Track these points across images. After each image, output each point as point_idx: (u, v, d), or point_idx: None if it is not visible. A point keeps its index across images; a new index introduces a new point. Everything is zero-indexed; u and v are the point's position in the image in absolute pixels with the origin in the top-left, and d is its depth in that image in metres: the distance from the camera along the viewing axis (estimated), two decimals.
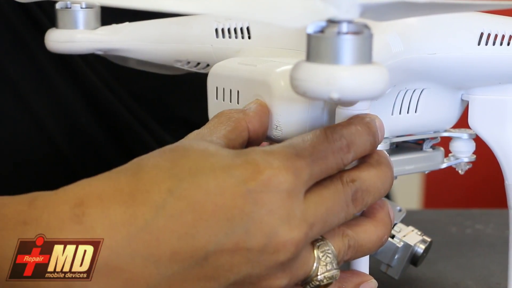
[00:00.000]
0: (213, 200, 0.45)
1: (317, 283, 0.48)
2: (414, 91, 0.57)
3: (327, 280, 0.48)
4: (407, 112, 0.57)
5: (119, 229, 0.44)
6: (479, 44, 0.55)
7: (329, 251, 0.48)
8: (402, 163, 0.58)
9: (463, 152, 0.61)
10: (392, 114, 0.56)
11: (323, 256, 0.48)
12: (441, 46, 0.55)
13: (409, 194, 2.04)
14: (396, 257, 0.66)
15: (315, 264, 0.48)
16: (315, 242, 0.48)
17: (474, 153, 0.61)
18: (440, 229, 0.86)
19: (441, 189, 2.03)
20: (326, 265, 0.48)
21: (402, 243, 0.66)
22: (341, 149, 0.48)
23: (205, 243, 0.45)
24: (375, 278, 0.52)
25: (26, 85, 0.76)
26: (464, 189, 2.01)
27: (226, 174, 0.45)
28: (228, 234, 0.45)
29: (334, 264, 0.48)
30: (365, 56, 0.43)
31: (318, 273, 0.48)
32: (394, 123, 0.56)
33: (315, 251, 0.48)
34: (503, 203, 0.60)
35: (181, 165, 0.46)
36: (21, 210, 0.46)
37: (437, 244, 0.75)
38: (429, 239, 0.67)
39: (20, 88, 0.76)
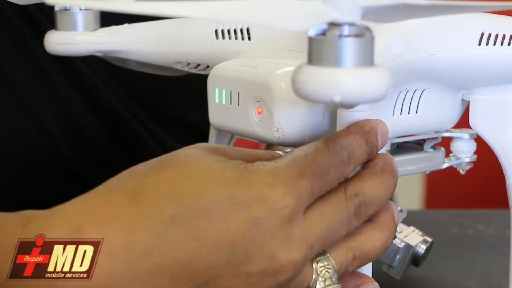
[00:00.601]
0: (216, 228, 0.44)
1: None
2: (415, 91, 0.57)
3: None
4: (408, 113, 0.57)
5: (118, 257, 0.44)
6: (479, 44, 0.55)
7: (329, 266, 0.48)
8: (403, 163, 0.58)
9: (464, 152, 0.61)
10: (393, 115, 0.56)
11: (322, 271, 0.47)
12: (442, 46, 0.54)
13: (410, 195, 2.05)
14: (397, 257, 0.66)
15: (313, 280, 0.47)
16: (315, 257, 0.48)
17: (475, 153, 0.61)
18: (441, 229, 0.86)
19: (442, 189, 2.03)
20: (325, 280, 0.47)
21: (403, 244, 0.66)
22: (342, 162, 0.47)
23: (206, 269, 0.44)
24: (377, 279, 0.52)
25: (27, 86, 0.76)
26: (465, 189, 2.02)
27: (229, 201, 0.45)
28: (229, 259, 0.45)
29: (333, 279, 0.48)
30: (367, 58, 0.43)
31: None
32: (395, 123, 0.56)
33: (313, 266, 0.47)
34: (505, 203, 0.60)
35: (183, 188, 0.45)
36: (14, 233, 0.46)
37: (438, 245, 0.75)
38: (430, 240, 0.67)
39: (21, 89, 0.76)
